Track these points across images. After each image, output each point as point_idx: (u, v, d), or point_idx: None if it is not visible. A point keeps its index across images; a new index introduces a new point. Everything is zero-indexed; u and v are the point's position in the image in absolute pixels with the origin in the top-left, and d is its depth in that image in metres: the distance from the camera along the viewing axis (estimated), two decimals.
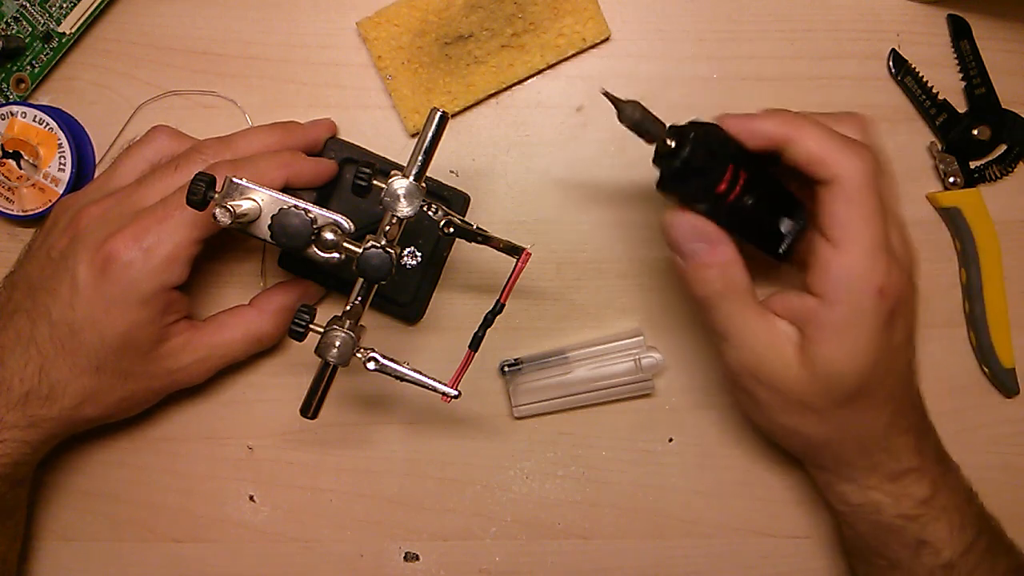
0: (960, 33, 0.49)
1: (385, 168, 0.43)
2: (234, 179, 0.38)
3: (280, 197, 0.38)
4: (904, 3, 0.49)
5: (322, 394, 0.40)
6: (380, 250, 0.38)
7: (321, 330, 0.39)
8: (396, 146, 0.49)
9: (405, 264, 0.47)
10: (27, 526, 0.48)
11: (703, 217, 0.39)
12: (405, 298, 0.47)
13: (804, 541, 0.50)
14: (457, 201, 0.47)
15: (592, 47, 0.48)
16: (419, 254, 0.47)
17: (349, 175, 0.43)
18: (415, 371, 0.40)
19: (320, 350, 0.39)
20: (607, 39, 0.48)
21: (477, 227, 0.40)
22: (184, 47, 0.49)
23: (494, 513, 0.49)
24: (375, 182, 0.38)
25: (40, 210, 0.47)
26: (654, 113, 0.38)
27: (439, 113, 0.38)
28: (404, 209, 0.38)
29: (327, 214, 0.38)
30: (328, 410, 0.42)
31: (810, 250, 0.39)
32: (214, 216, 0.37)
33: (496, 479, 0.49)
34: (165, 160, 0.44)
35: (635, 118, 0.38)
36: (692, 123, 0.39)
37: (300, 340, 0.39)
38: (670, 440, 0.50)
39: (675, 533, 0.49)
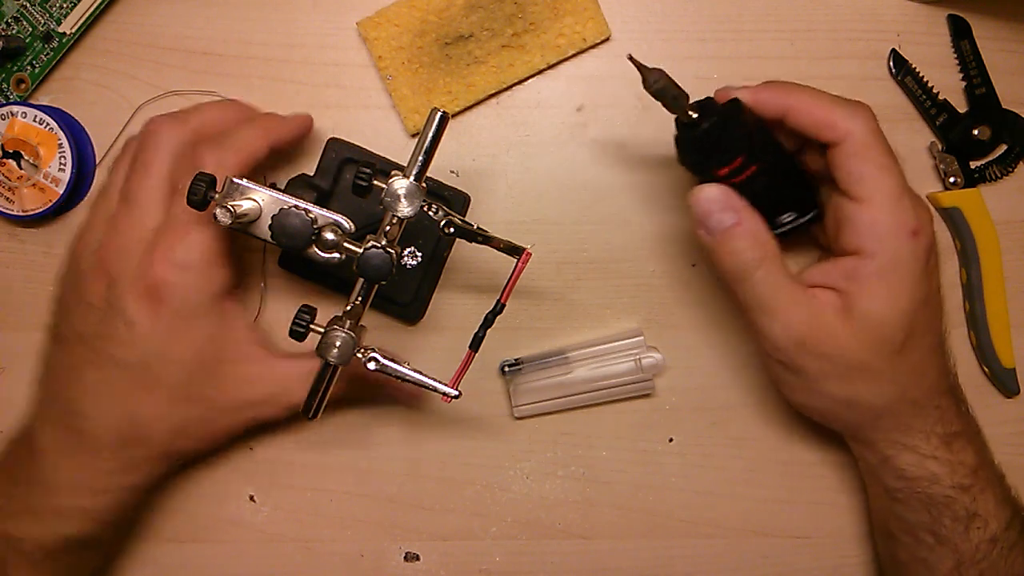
0: (960, 33, 0.49)
1: (385, 168, 0.43)
2: (234, 179, 0.38)
3: (280, 197, 0.38)
4: (904, 3, 0.49)
5: (323, 394, 0.40)
6: (380, 250, 0.38)
7: (321, 330, 0.39)
8: (396, 146, 0.49)
9: (405, 264, 0.47)
10: None
11: (730, 189, 0.40)
12: (405, 298, 0.47)
13: (804, 541, 0.50)
14: (457, 201, 0.47)
15: (592, 47, 0.48)
16: (419, 254, 0.47)
17: (349, 175, 0.43)
18: (415, 371, 0.40)
19: (320, 350, 0.39)
20: (607, 39, 0.48)
21: (477, 227, 0.40)
22: (184, 47, 0.49)
23: (494, 513, 0.49)
24: (375, 182, 0.38)
25: (40, 210, 0.47)
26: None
27: (439, 113, 0.38)
28: (404, 209, 0.38)
29: (327, 214, 0.38)
30: (328, 410, 0.42)
31: (839, 215, 0.40)
32: (214, 216, 0.37)
33: (496, 479, 0.49)
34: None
35: (659, 85, 0.39)
36: (725, 103, 0.41)
37: (300, 340, 0.39)
38: (670, 440, 0.50)
39: (675, 533, 0.49)
